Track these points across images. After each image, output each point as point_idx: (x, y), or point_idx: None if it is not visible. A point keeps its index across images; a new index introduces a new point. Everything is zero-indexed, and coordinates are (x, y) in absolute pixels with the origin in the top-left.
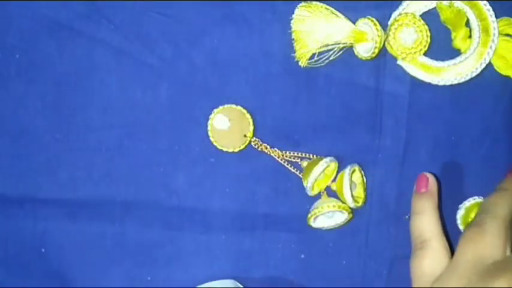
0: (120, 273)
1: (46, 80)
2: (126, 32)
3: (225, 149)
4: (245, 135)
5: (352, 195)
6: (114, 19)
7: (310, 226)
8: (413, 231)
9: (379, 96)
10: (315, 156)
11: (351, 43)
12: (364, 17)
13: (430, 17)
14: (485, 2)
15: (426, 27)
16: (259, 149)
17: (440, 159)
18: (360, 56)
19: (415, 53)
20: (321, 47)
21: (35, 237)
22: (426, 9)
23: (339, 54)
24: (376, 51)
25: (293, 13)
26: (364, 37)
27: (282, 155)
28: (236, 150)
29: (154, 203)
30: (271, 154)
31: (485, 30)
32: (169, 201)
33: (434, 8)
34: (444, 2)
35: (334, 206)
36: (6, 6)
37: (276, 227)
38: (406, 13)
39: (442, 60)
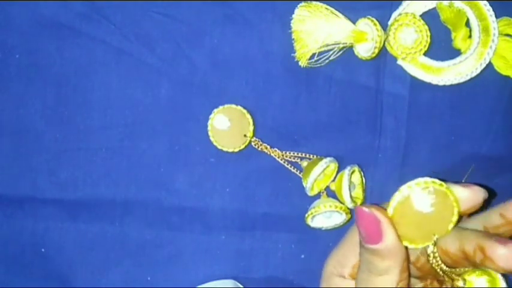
0: (120, 273)
1: (46, 80)
2: (126, 32)
3: (225, 149)
4: (245, 135)
5: (351, 196)
6: (114, 19)
7: (309, 226)
8: None
9: (379, 96)
10: (315, 156)
11: (351, 43)
12: (364, 17)
13: (430, 17)
14: (485, 2)
15: (426, 27)
16: (259, 149)
17: (440, 159)
18: (360, 56)
19: (415, 53)
20: (321, 47)
21: (35, 237)
22: (426, 9)
23: (339, 54)
24: (376, 51)
25: (293, 13)
26: (364, 37)
27: (282, 155)
28: (236, 150)
29: (154, 203)
30: (271, 154)
31: (485, 30)
32: (169, 201)
33: (434, 8)
34: (444, 2)
35: (331, 206)
36: (6, 6)
37: (276, 227)
38: (406, 13)
39: (442, 60)
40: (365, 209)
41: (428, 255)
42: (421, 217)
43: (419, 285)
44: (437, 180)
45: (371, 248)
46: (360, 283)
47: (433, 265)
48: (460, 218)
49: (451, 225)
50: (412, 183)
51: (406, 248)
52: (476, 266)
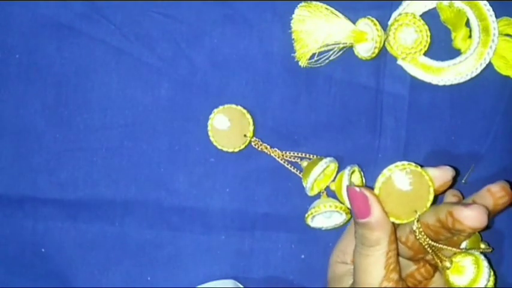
0: (120, 273)
1: (46, 80)
2: (126, 32)
3: (225, 149)
4: (245, 135)
5: None
6: (114, 19)
7: (309, 226)
8: (357, 270)
9: (379, 96)
10: (315, 156)
11: (351, 43)
12: (364, 17)
13: (430, 17)
14: (485, 2)
15: (426, 27)
16: (259, 149)
17: (440, 159)
18: (360, 56)
19: (415, 53)
20: (321, 47)
21: (35, 237)
22: (426, 9)
23: (339, 54)
24: (376, 51)
25: (293, 13)
26: (364, 37)
27: (282, 155)
28: (236, 150)
29: (154, 203)
30: (271, 154)
31: (485, 30)
32: (169, 201)
33: (434, 8)
34: (444, 2)
35: (331, 206)
36: (6, 6)
37: (276, 227)
38: (406, 13)
39: (442, 60)
40: (356, 188)
41: (415, 231)
42: (402, 195)
43: (413, 267)
44: (412, 163)
45: (362, 222)
46: (356, 256)
47: (420, 240)
48: (436, 197)
49: (429, 203)
50: (391, 166)
51: (393, 223)
52: (451, 231)
